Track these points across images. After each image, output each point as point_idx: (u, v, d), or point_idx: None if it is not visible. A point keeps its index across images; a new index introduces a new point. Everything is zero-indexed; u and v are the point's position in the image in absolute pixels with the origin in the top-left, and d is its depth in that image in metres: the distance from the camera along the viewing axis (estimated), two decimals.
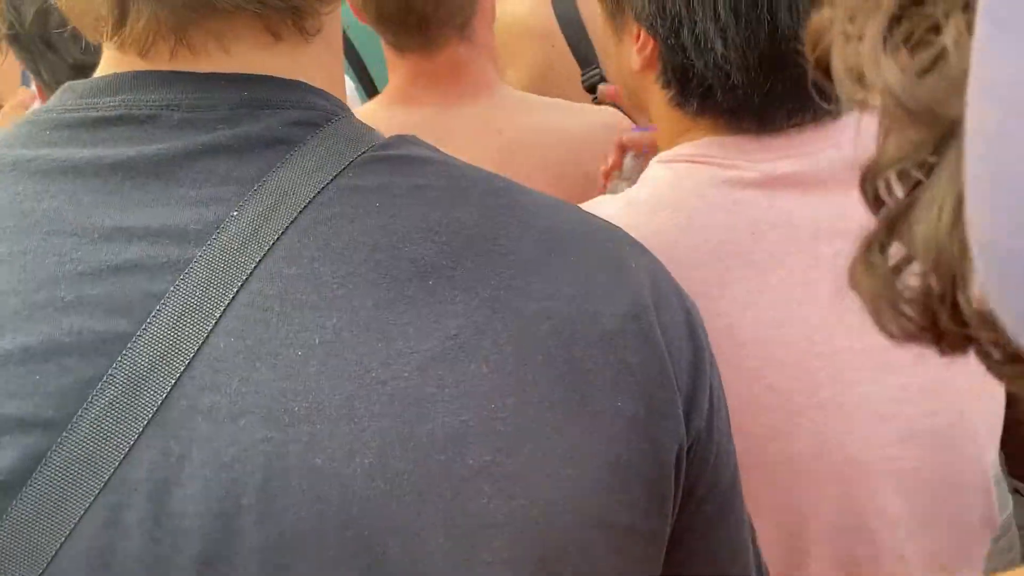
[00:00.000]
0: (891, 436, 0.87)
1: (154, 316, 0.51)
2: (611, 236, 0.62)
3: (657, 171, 0.90)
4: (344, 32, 2.33)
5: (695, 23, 0.83)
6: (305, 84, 0.58)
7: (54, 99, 0.58)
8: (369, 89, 2.19)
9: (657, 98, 0.91)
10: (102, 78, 0.57)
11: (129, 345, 0.51)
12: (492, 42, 1.36)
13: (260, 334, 0.51)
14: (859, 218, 0.98)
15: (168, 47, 0.56)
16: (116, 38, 0.56)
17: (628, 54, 0.91)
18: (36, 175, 0.55)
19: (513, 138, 1.28)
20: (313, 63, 0.59)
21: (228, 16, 0.55)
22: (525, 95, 1.38)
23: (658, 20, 0.85)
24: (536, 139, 1.29)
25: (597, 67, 1.77)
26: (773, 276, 0.86)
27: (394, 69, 1.33)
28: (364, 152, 0.57)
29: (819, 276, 0.85)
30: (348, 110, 0.60)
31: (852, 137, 0.87)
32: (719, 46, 0.83)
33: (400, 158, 0.58)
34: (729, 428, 0.66)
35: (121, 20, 0.55)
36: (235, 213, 0.53)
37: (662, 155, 0.91)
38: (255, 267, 0.52)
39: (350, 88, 1.89)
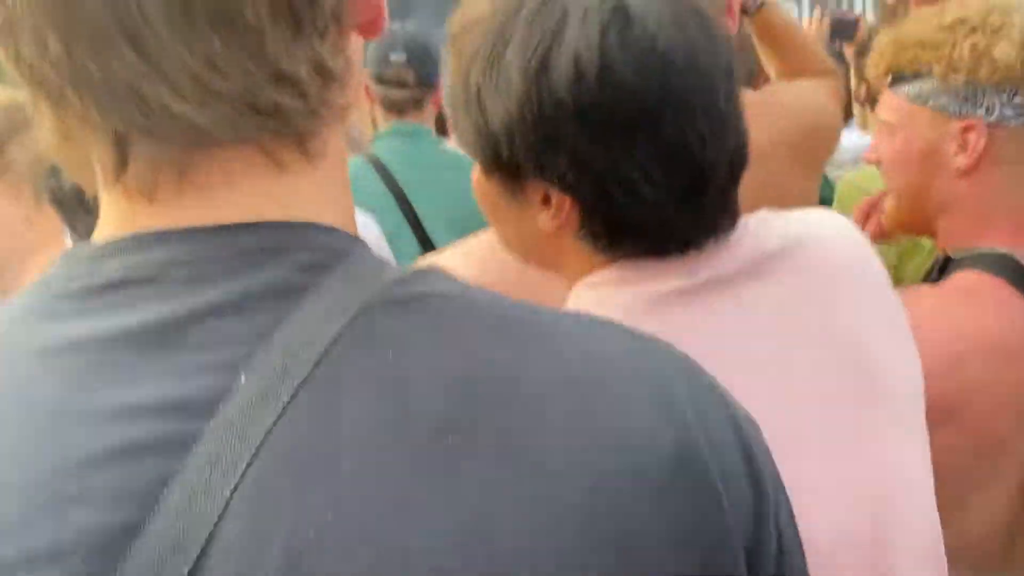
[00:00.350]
0: (842, 509, 0.90)
1: (162, 503, 0.48)
2: (652, 359, 0.57)
3: (584, 293, 0.92)
4: (379, 160, 2.25)
5: (619, 173, 0.84)
6: (314, 224, 0.55)
7: (59, 265, 0.56)
8: (409, 215, 2.18)
9: (572, 249, 0.93)
10: (104, 243, 0.55)
11: (137, 539, 0.48)
12: None
13: (270, 515, 0.48)
14: (767, 311, 0.90)
15: (173, 187, 0.53)
16: (119, 184, 0.54)
17: (533, 219, 0.92)
18: (39, 354, 0.53)
19: None
20: (321, 192, 0.57)
21: (231, 149, 0.53)
22: None
23: (581, 181, 0.86)
24: None
25: None
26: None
27: None
28: (379, 293, 0.53)
29: (751, 365, 0.88)
30: (361, 243, 0.57)
31: (747, 245, 0.91)
32: (648, 191, 0.85)
33: (417, 298, 0.54)
34: (806, 570, 0.60)
35: (122, 164, 0.53)
36: (242, 379, 0.50)
37: (585, 280, 0.93)
38: (263, 440, 0.49)
39: (367, 225, 1.89)
